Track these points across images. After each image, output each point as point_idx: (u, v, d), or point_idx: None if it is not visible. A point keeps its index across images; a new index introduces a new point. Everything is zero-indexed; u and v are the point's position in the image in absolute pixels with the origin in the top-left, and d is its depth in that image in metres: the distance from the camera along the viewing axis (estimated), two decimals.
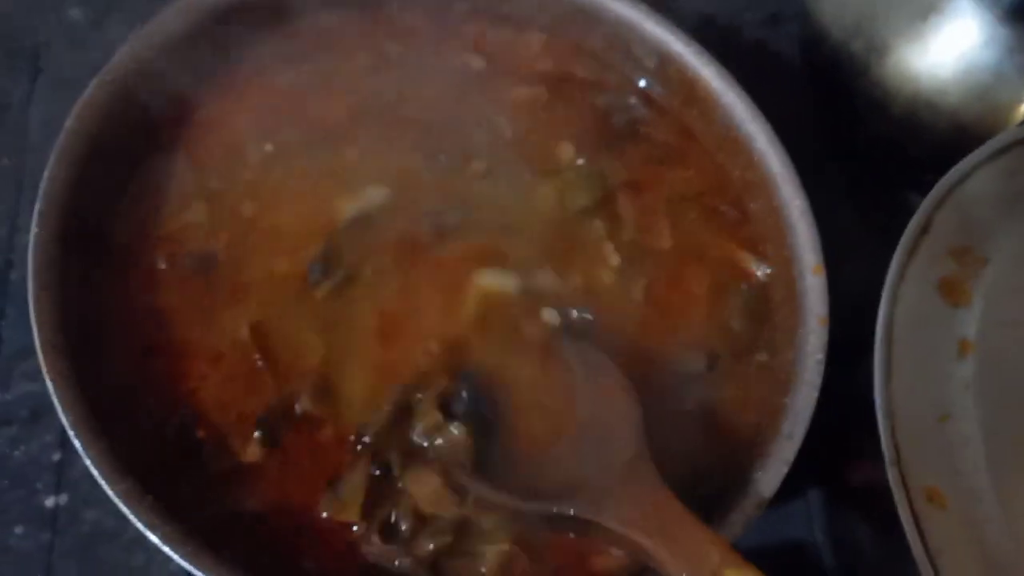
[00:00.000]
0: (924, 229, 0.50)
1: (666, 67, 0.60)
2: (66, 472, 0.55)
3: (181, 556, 0.40)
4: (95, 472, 0.41)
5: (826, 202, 0.57)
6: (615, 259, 0.55)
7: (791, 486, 0.60)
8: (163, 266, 0.50)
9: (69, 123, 0.48)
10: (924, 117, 0.66)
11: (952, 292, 0.50)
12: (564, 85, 0.60)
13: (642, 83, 0.61)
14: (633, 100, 0.61)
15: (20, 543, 0.53)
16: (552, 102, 0.60)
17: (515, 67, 0.61)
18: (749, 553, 0.58)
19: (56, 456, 0.55)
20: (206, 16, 0.54)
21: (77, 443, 0.42)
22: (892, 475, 0.44)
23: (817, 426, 0.49)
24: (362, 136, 0.56)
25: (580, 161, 0.57)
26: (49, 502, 0.54)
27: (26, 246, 0.60)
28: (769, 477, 0.47)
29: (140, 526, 0.41)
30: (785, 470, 0.47)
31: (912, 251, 0.49)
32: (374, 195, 0.54)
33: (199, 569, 0.40)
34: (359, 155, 0.55)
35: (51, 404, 0.56)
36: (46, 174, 0.47)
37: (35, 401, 0.56)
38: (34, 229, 0.45)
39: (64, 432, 0.55)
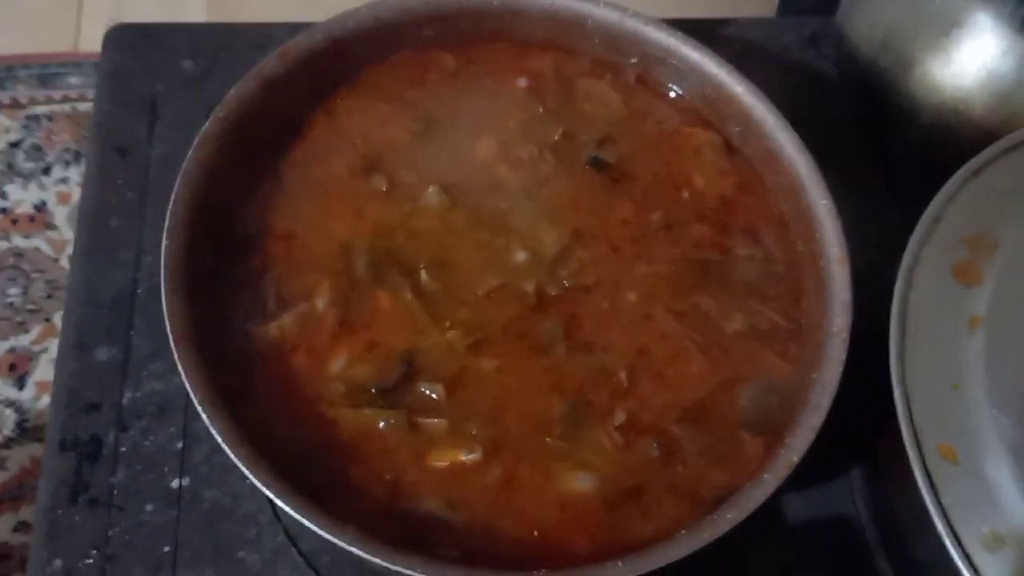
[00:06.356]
0: (936, 219, 0.56)
1: (704, 87, 0.67)
2: (188, 458, 0.63)
3: (305, 518, 0.48)
4: (220, 440, 0.49)
5: (868, 205, 0.62)
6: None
7: (835, 465, 0.66)
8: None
9: (191, 153, 0.57)
10: (951, 124, 0.72)
11: (965, 274, 0.55)
12: None
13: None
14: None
15: (151, 518, 0.61)
16: None
17: None
18: (799, 526, 0.64)
19: (179, 445, 0.63)
20: (301, 60, 0.63)
21: (204, 416, 0.50)
22: (906, 434, 0.49)
23: (855, 409, 0.54)
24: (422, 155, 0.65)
25: None
26: (174, 484, 0.62)
27: (150, 267, 0.70)
28: (798, 442, 0.52)
29: (258, 484, 0.48)
30: (812, 436, 0.52)
31: (926, 238, 0.55)
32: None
33: (316, 525, 0.48)
34: (418, 178, 0.63)
35: (175, 400, 0.65)
36: (173, 195, 0.55)
37: (161, 398, 0.65)
38: (165, 241, 0.54)
39: (186, 424, 0.64)
